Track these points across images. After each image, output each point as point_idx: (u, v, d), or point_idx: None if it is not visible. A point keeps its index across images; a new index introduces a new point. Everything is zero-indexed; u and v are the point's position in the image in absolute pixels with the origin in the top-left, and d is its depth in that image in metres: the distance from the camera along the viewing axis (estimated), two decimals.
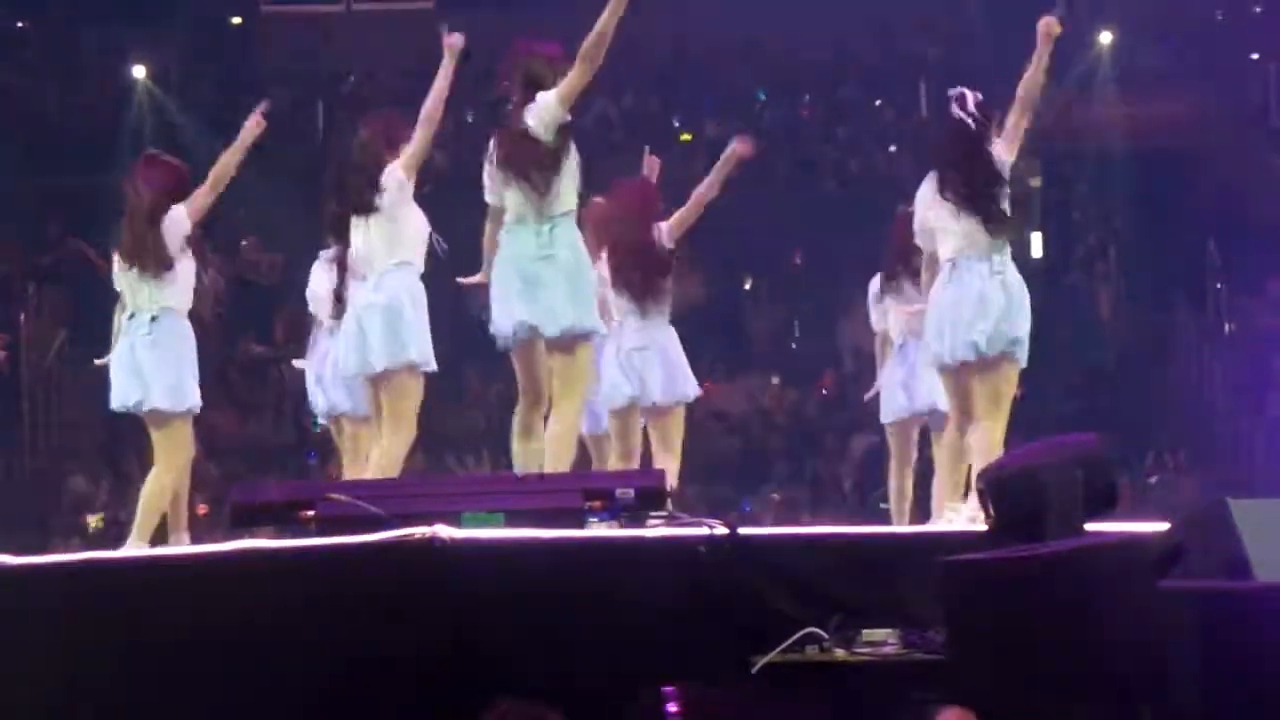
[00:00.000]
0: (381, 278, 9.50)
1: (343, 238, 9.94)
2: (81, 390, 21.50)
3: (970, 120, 9.62)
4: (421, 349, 9.47)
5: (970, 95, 9.79)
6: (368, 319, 9.48)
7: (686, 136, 24.30)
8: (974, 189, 9.48)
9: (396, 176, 9.52)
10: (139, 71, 23.92)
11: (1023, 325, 9.44)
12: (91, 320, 22.11)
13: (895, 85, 24.66)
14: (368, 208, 9.54)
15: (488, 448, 18.26)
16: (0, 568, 7.45)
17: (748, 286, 23.01)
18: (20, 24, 24.38)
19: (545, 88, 9.28)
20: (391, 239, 9.55)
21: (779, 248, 22.92)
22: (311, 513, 7.65)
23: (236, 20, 25.50)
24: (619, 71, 22.52)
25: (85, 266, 21.45)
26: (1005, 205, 9.51)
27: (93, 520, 19.01)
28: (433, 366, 9.52)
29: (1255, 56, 24.54)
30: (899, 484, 10.99)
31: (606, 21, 9.14)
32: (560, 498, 7.74)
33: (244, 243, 23.23)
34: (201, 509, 19.07)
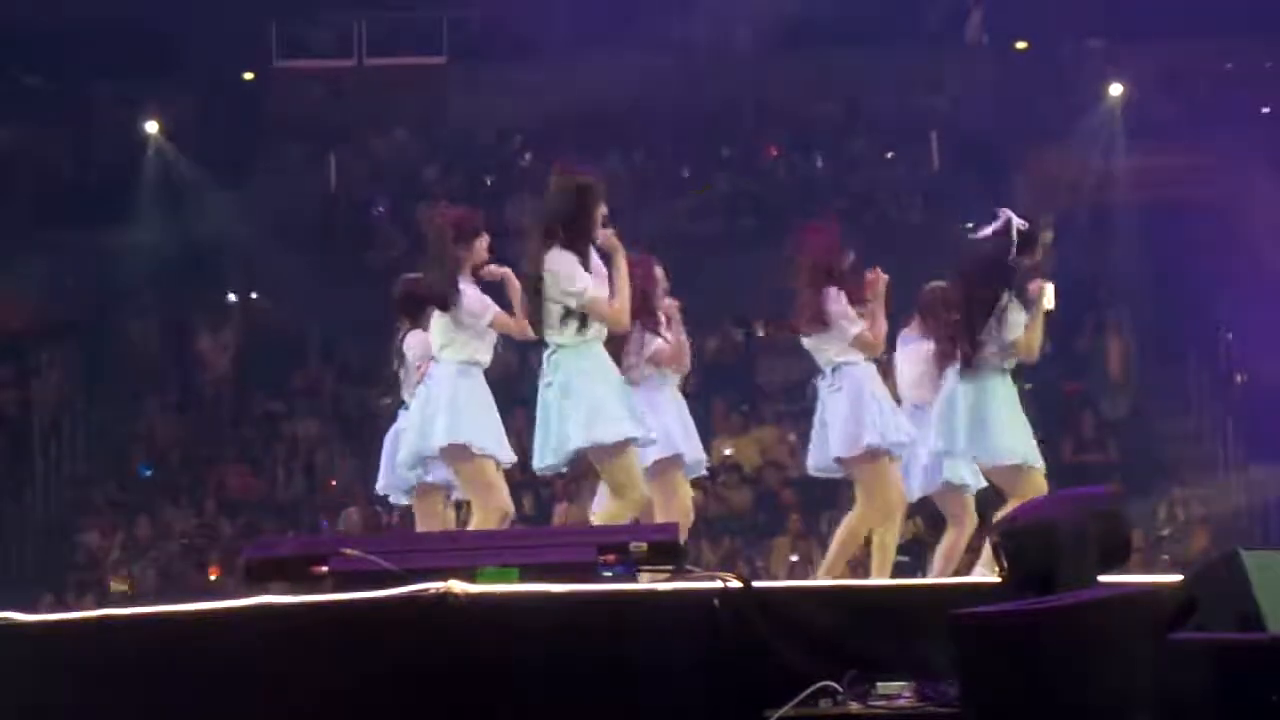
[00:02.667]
0: None
1: None
2: (91, 445, 21.57)
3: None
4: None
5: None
6: None
7: (700, 190, 24.44)
8: None
9: None
10: (151, 126, 24.02)
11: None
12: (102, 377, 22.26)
13: (907, 138, 24.75)
14: None
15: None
16: (13, 624, 7.46)
17: (760, 338, 23.04)
18: (34, 78, 24.50)
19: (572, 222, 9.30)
20: None
21: (791, 300, 22.97)
22: (325, 568, 7.65)
23: (249, 75, 25.60)
24: (634, 128, 22.69)
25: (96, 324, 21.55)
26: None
27: (115, 583, 19.00)
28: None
29: (1266, 110, 24.60)
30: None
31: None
32: (574, 551, 7.75)
33: (256, 289, 23.28)
34: (214, 571, 19.11)
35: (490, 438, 9.86)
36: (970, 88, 25.26)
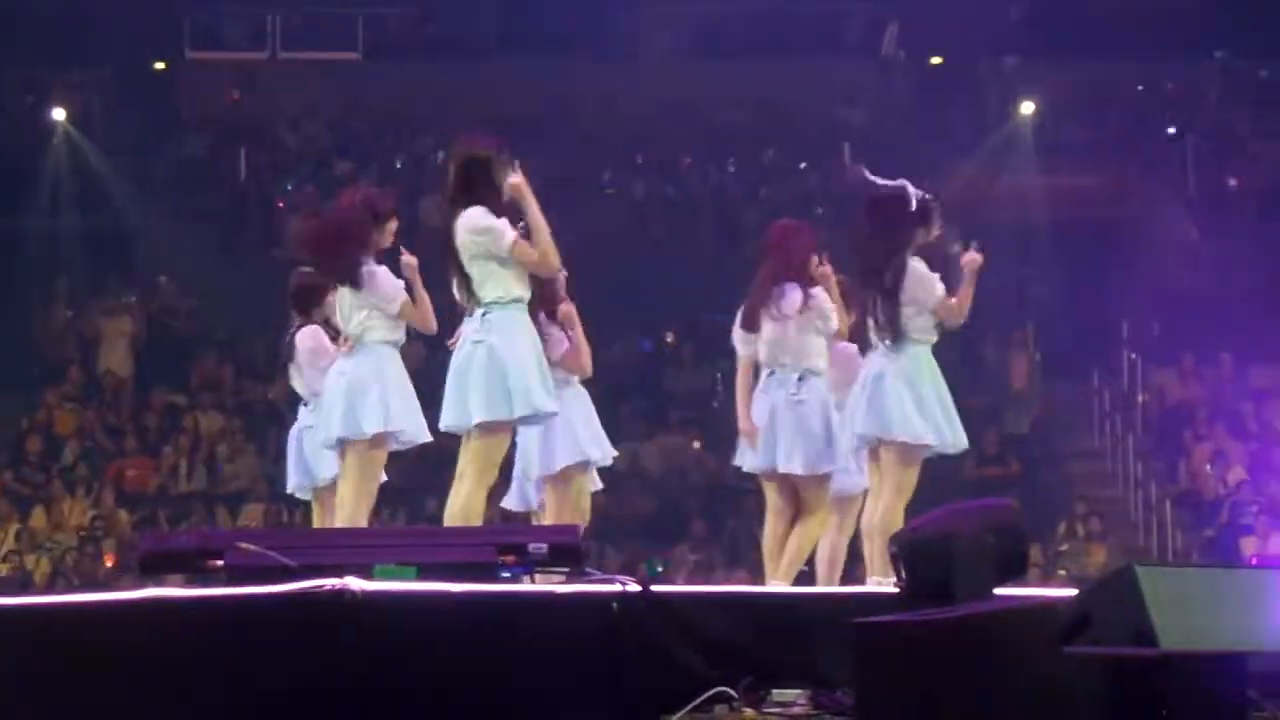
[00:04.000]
0: None
1: None
2: None
3: None
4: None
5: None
6: None
7: (611, 191, 24.44)
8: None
9: None
10: (59, 114, 23.80)
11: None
12: None
13: (820, 149, 24.81)
14: None
15: (404, 504, 18.22)
16: None
17: (669, 345, 23.03)
18: None
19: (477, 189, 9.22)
20: None
21: (702, 308, 23.01)
22: (220, 562, 7.59)
23: (160, 65, 25.42)
24: (549, 130, 22.63)
25: None
26: None
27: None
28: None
29: (1172, 130, 24.81)
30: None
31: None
32: (473, 551, 7.71)
33: (161, 279, 23.06)
34: (110, 559, 18.96)
35: (416, 425, 9.84)
36: (885, 101, 25.38)
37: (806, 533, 10.29)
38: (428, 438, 9.82)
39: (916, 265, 9.98)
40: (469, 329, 9.26)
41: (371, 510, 9.89)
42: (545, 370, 9.35)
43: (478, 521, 9.20)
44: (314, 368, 10.48)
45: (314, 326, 10.62)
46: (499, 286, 9.19)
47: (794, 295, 10.16)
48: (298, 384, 10.74)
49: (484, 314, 9.18)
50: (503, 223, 9.14)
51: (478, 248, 9.15)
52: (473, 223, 9.15)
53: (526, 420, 9.38)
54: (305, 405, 10.71)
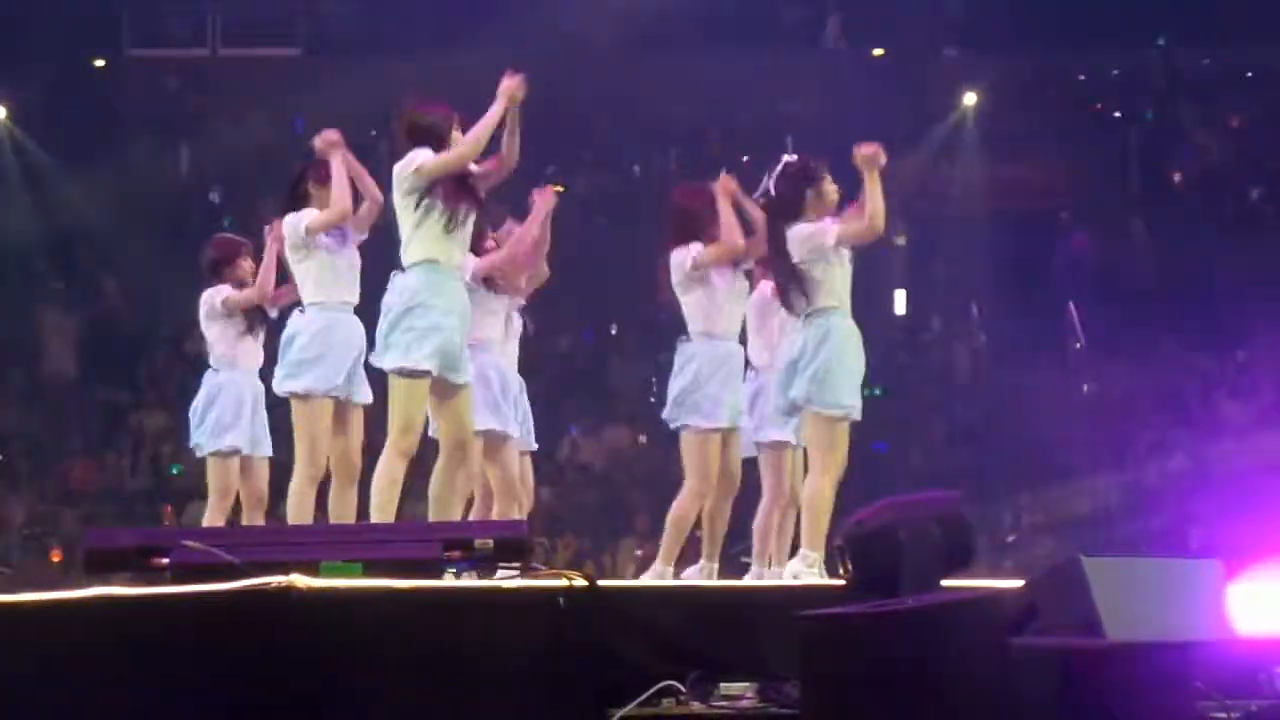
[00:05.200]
0: None
1: None
2: None
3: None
4: None
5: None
6: None
7: (559, 188, 24.34)
8: None
9: None
10: None
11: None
12: None
13: (764, 142, 24.82)
14: None
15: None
16: None
17: (613, 336, 23.03)
18: None
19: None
20: None
21: (644, 300, 23.02)
22: (165, 560, 7.56)
23: (100, 62, 25.29)
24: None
25: None
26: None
27: None
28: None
29: (1118, 114, 24.90)
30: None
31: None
32: (419, 548, 7.70)
33: (104, 277, 22.97)
34: (56, 555, 18.89)
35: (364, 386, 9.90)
36: (827, 93, 25.39)
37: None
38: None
39: (799, 228, 9.87)
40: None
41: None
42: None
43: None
44: (213, 330, 10.64)
45: (223, 287, 10.75)
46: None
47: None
48: (213, 350, 10.87)
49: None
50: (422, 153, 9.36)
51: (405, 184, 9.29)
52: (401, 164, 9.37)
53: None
54: (212, 370, 10.83)
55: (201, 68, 25.33)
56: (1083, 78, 25.49)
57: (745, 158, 25.15)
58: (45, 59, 24.24)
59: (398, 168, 9.30)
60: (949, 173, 23.72)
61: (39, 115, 24.12)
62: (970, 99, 24.32)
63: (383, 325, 9.26)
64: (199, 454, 11.16)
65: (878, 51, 25.63)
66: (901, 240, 23.83)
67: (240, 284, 10.84)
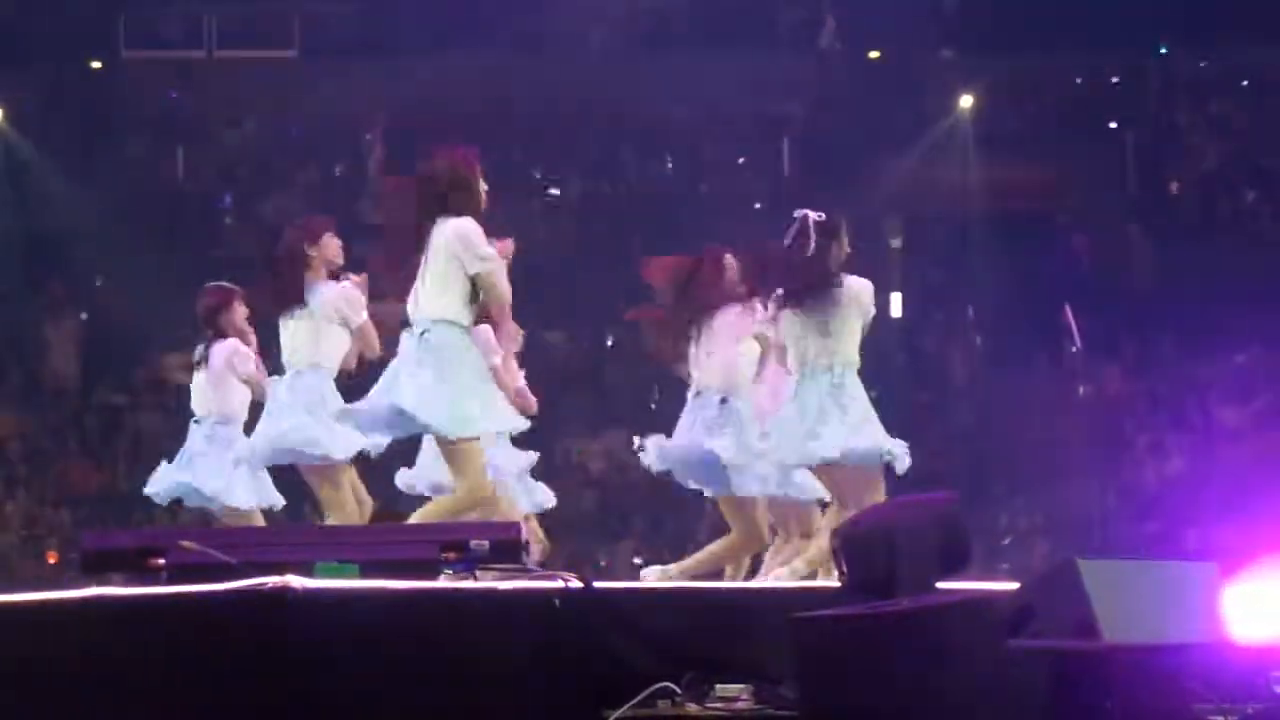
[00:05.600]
0: None
1: None
2: None
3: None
4: None
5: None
6: None
7: (554, 191, 24.40)
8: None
9: None
10: None
11: None
12: None
13: (758, 144, 24.83)
14: None
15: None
16: None
17: (610, 344, 23.03)
18: None
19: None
20: None
21: (643, 301, 23.01)
22: (162, 561, 7.56)
23: (96, 64, 25.29)
24: (486, 128, 22.59)
25: None
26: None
27: None
28: None
29: (1114, 125, 24.91)
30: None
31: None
32: (415, 549, 7.70)
33: (101, 279, 22.97)
34: (52, 556, 18.89)
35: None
36: (823, 95, 25.39)
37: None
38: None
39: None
40: None
41: None
42: None
43: None
44: (224, 385, 10.57)
45: (233, 341, 10.69)
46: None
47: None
48: (201, 401, 10.77)
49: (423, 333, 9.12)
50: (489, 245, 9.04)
51: (469, 258, 8.98)
52: (466, 231, 8.97)
53: None
54: (195, 422, 10.78)
55: (198, 70, 25.33)
56: (1080, 80, 25.50)
57: (740, 160, 25.23)
58: (42, 61, 24.24)
59: (471, 236, 9.01)
60: (945, 175, 23.72)
61: (35, 117, 24.12)
62: (966, 101, 24.32)
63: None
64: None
65: (874, 54, 25.64)
66: (897, 243, 23.86)
67: (240, 332, 10.78)
